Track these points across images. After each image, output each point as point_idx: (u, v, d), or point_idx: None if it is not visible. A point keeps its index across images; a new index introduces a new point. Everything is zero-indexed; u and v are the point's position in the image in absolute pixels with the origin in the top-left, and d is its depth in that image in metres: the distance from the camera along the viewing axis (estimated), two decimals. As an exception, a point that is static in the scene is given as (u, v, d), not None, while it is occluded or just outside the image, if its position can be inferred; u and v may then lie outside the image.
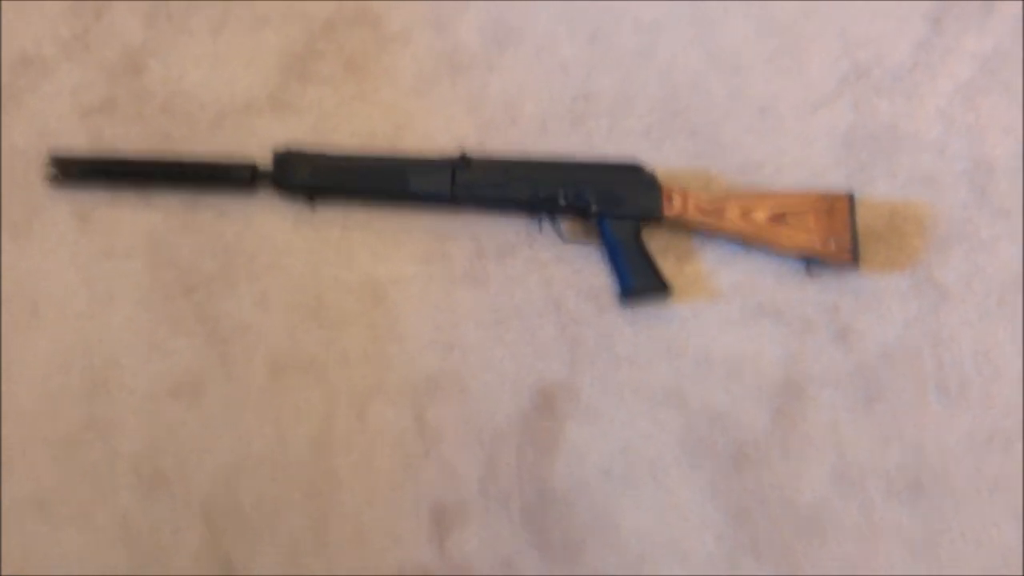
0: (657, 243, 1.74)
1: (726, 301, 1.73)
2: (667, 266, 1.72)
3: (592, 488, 1.65)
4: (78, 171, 1.71)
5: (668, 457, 1.67)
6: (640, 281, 1.68)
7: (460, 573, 1.61)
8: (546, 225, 1.74)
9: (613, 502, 1.65)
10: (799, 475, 1.66)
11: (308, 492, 1.63)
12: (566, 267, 1.74)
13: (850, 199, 1.71)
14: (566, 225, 1.75)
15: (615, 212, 1.70)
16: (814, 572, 1.62)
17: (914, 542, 1.63)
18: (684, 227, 1.73)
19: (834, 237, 1.69)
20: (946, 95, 1.84)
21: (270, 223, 1.74)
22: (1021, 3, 1.87)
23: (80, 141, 1.77)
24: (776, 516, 1.64)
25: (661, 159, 1.78)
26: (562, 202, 1.71)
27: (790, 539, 1.63)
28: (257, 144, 1.76)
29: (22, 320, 1.68)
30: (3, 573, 1.59)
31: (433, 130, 1.81)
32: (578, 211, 1.72)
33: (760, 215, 1.70)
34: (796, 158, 1.80)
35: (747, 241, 1.71)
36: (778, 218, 1.70)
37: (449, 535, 1.62)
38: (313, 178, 1.70)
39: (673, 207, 1.71)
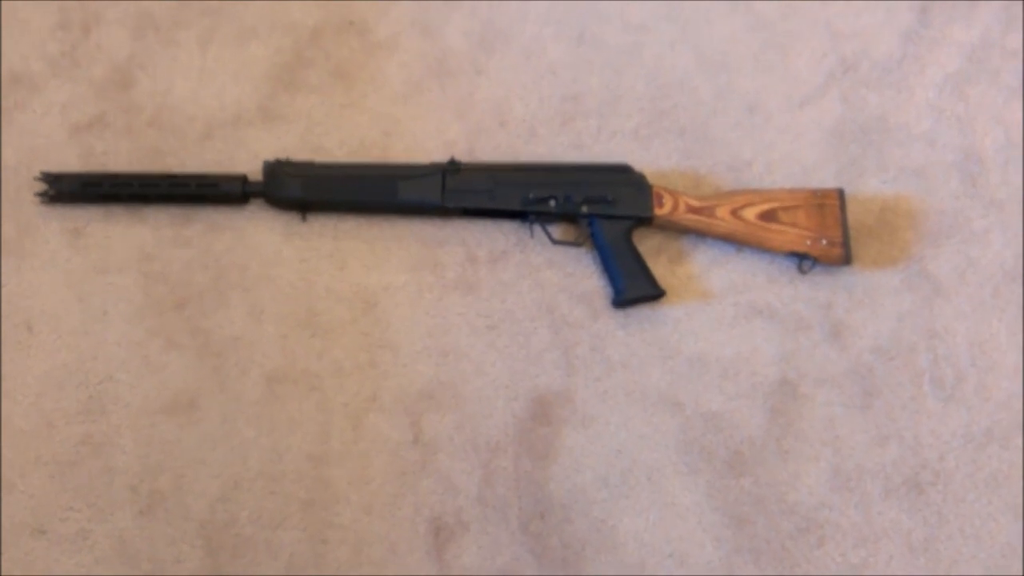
0: (649, 245, 1.74)
1: (719, 301, 1.73)
2: (659, 268, 1.72)
3: (590, 494, 1.65)
4: (69, 188, 1.70)
5: (665, 461, 1.66)
6: (632, 283, 1.68)
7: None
8: (537, 230, 1.74)
9: (611, 508, 1.64)
10: (796, 475, 1.65)
11: (305, 506, 1.63)
12: (558, 271, 1.74)
13: (840, 195, 1.71)
14: (557, 229, 1.74)
15: (605, 214, 1.70)
16: (814, 573, 1.62)
17: (913, 540, 1.62)
18: (675, 227, 1.73)
19: (825, 234, 1.69)
20: (935, 86, 1.84)
21: (261, 235, 1.74)
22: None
23: (71, 157, 1.77)
24: (774, 517, 1.64)
25: (650, 159, 1.79)
26: (552, 206, 1.70)
27: (789, 541, 1.63)
28: (247, 155, 1.77)
29: (16, 338, 1.69)
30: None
31: (423, 136, 1.81)
32: (568, 215, 1.71)
33: (750, 213, 1.70)
34: (785, 154, 1.80)
35: (738, 240, 1.71)
36: (769, 216, 1.69)
37: (448, 546, 1.62)
38: (304, 189, 1.70)
39: (663, 207, 1.70)
